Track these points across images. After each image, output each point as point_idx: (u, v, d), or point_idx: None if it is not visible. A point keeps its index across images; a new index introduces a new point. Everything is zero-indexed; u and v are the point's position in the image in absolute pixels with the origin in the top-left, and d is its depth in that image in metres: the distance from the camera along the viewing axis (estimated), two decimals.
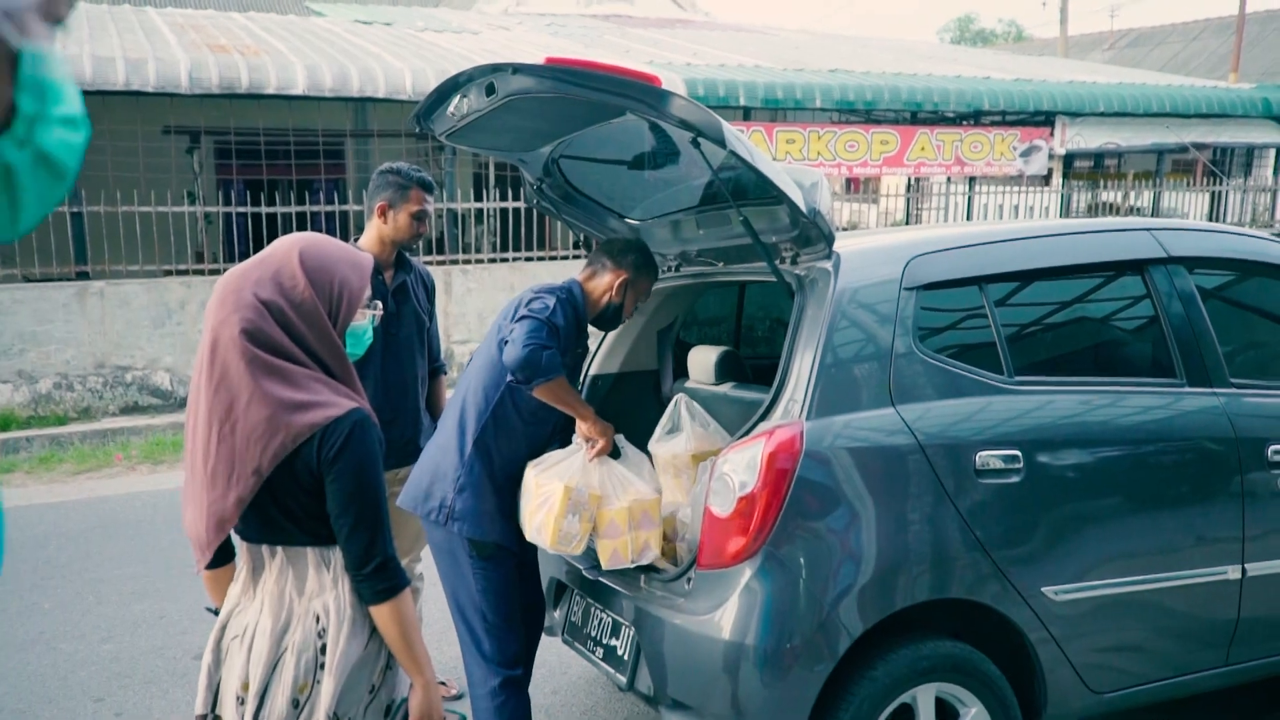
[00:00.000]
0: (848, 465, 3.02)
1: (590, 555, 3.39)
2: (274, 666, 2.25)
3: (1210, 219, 16.45)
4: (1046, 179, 15.55)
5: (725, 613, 2.96)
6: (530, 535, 3.34)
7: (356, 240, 4.02)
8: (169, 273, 10.70)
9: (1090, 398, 3.40)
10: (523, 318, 3.21)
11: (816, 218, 3.10)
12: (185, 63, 10.51)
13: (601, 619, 3.52)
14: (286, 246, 2.29)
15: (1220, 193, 17.10)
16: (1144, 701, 3.51)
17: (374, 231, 4.03)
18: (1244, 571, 3.54)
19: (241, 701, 2.25)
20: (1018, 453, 3.17)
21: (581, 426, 3.38)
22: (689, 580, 3.12)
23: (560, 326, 3.25)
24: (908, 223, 15.94)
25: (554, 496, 3.23)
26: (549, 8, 20.62)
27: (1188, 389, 3.53)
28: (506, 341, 3.20)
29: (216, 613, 2.42)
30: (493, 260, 11.87)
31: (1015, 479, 3.17)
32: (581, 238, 4.25)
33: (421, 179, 4.08)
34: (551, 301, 3.28)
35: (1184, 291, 3.61)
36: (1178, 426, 3.48)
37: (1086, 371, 3.69)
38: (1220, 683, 3.66)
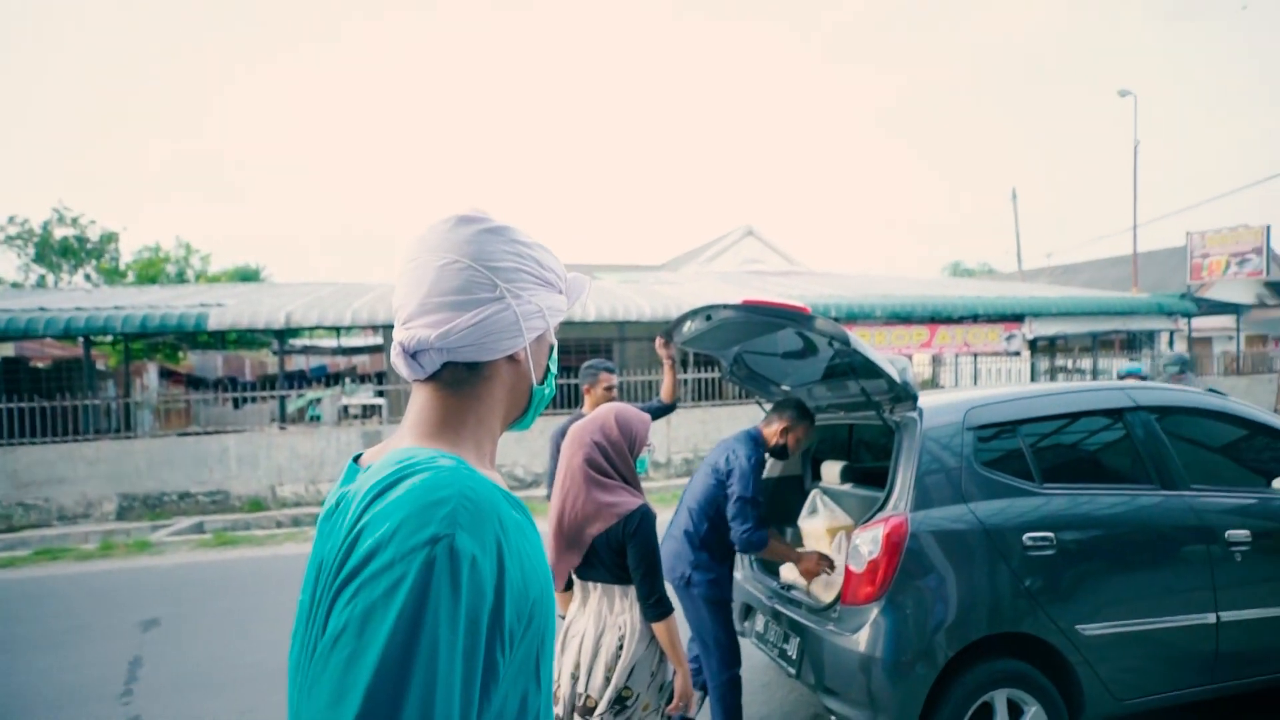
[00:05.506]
0: (936, 541, 2.72)
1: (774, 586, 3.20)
2: (594, 654, 2.19)
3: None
4: (1017, 353, 14.51)
5: (862, 634, 2.67)
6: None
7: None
8: None
9: (1096, 496, 2.96)
10: (738, 498, 3.01)
11: (908, 386, 2.90)
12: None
13: (777, 630, 3.24)
14: (607, 410, 2.30)
15: (1133, 359, 15.49)
16: (1156, 706, 2.92)
17: (590, 401, 3.88)
18: (1218, 618, 2.95)
19: (574, 677, 2.16)
20: (1051, 534, 2.78)
21: (802, 567, 3.19)
22: (835, 611, 2.84)
23: (759, 500, 3.05)
24: (933, 380, 15.03)
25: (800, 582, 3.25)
26: (719, 269, 21.12)
27: (1161, 490, 3.05)
28: (733, 516, 3.02)
29: (562, 618, 2.37)
30: (694, 406, 11.94)
31: (1050, 551, 2.77)
32: (748, 393, 4.09)
33: (606, 367, 3.88)
34: (750, 475, 3.04)
35: (1149, 426, 3.16)
36: (1158, 515, 2.98)
37: (1091, 479, 3.15)
38: (1209, 695, 3.01)
